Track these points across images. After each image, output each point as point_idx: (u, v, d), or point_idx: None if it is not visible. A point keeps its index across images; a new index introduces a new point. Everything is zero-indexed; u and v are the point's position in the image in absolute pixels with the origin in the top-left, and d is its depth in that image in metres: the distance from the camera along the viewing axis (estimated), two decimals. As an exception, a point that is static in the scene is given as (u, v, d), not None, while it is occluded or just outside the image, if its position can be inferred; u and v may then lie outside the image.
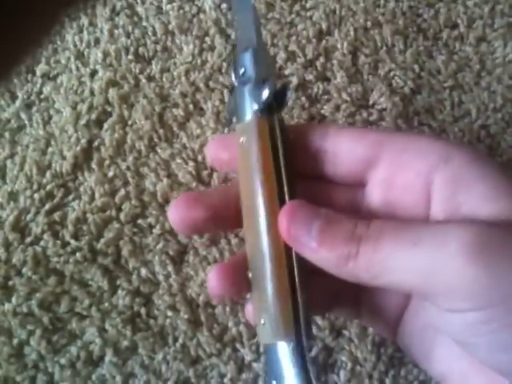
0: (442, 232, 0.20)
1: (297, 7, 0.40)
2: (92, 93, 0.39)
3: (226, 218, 0.25)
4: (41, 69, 0.40)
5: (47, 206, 0.36)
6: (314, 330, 0.33)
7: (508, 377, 0.21)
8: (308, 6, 0.40)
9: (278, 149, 0.23)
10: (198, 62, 0.39)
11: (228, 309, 0.34)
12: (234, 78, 0.25)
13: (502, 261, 0.19)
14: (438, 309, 0.21)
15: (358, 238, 0.21)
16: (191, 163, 0.37)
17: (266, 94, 0.23)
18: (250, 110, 0.23)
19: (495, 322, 0.19)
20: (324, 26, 0.40)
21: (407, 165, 0.23)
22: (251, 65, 0.24)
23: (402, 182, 0.23)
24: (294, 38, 0.39)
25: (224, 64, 0.39)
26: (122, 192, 0.36)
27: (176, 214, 0.25)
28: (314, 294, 0.24)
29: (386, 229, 0.21)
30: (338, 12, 0.40)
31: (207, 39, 0.40)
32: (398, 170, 0.23)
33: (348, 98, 0.38)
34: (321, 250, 0.21)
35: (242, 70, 0.24)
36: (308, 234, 0.21)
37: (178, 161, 0.37)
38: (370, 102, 0.38)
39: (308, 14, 0.40)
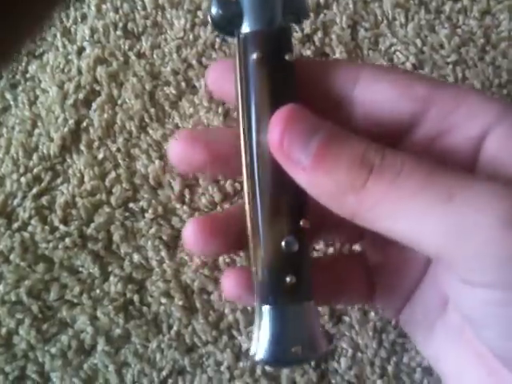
0: (483, 191, 0.17)
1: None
2: (79, 71, 0.37)
3: (227, 162, 0.22)
4: (26, 46, 0.38)
5: (35, 190, 0.34)
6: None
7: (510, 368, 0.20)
8: (306, -24, 0.39)
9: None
10: (190, 37, 0.37)
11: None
12: None
13: None
14: (454, 277, 0.19)
15: (370, 166, 0.17)
16: (184, 144, 0.35)
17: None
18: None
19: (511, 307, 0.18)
20: (322, -2, 0.38)
21: (457, 126, 0.20)
22: None
23: (448, 145, 0.21)
24: (290, 11, 0.38)
25: (217, 40, 0.37)
26: (113, 175, 0.35)
27: (175, 151, 0.23)
28: (317, 280, 0.21)
29: (413, 165, 0.18)
30: (336, -16, 0.38)
31: (199, 13, 0.38)
32: (445, 131, 0.21)
33: (347, 75, 0.36)
34: (317, 173, 0.18)
35: None
36: (304, 149, 0.18)
37: (171, 141, 0.35)
38: (370, 79, 0.36)
39: (306, -14, 0.38)
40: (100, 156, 0.35)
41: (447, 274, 0.20)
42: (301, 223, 0.21)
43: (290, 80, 0.21)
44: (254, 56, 0.21)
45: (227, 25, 0.22)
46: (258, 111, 0.21)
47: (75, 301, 0.33)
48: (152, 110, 0.36)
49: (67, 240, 0.33)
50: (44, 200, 0.34)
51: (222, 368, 0.32)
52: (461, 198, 0.17)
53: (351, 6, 0.38)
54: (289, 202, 0.21)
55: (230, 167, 0.22)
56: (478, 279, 0.18)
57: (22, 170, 0.35)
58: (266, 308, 0.21)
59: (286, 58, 0.21)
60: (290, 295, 0.21)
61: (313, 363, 0.32)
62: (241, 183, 0.35)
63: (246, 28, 0.21)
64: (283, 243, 0.20)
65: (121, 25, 0.38)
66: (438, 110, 0.21)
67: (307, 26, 0.37)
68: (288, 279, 0.21)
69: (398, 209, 0.17)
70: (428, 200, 0.17)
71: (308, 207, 0.21)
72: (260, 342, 0.21)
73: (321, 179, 0.18)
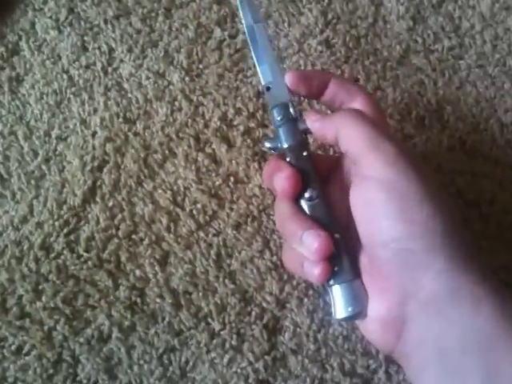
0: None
1: (240, 76, 0.55)
2: (94, 147, 0.52)
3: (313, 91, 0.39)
4: (55, 132, 0.53)
5: (65, 231, 0.48)
6: (264, 304, 0.46)
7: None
8: (248, 74, 0.55)
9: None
10: (171, 119, 0.53)
11: (201, 294, 0.46)
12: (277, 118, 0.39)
13: None
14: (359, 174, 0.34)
15: None
16: (169, 192, 0.50)
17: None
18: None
19: None
20: (261, 88, 0.54)
21: None
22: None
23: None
24: (239, 98, 0.54)
25: (189, 120, 0.53)
26: (119, 216, 0.49)
27: (290, 81, 0.39)
28: None
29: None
30: (270, 77, 0.54)
31: (176, 103, 0.54)
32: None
33: (281, 138, 0.51)
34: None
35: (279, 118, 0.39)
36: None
37: (159, 191, 0.50)
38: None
39: (249, 80, 0.55)
40: (110, 204, 0.49)
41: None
42: (335, 236, 0.35)
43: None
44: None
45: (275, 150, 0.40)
46: None
47: (96, 305, 0.46)
48: (145, 171, 0.51)
49: (89, 263, 0.47)
50: (72, 237, 0.48)
51: (201, 345, 0.44)
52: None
53: (282, 91, 0.54)
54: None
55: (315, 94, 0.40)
56: (372, 173, 0.33)
57: (55, 217, 0.49)
58: (330, 287, 0.36)
59: (304, 154, 0.38)
60: (340, 277, 0.35)
61: (265, 337, 0.45)
62: (214, 213, 0.49)
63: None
64: None
65: (121, 114, 0.53)
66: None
67: (251, 107, 0.53)
68: (335, 268, 0.35)
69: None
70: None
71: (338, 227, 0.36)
72: (332, 308, 0.36)
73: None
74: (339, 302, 0.36)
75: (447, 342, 0.30)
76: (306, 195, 0.36)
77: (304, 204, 0.37)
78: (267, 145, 0.40)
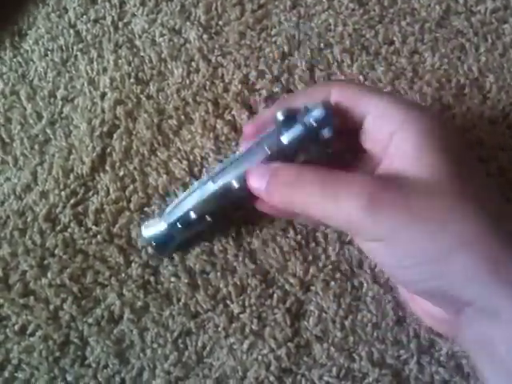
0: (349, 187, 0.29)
1: (263, 34, 0.50)
2: (103, 110, 0.48)
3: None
4: (60, 93, 0.49)
5: (72, 201, 0.45)
6: (287, 287, 0.42)
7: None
8: (272, 33, 0.50)
9: None
10: (187, 81, 0.49)
11: (219, 274, 0.43)
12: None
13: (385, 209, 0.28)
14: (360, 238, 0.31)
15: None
16: (185, 162, 0.46)
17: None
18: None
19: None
20: (286, 48, 0.49)
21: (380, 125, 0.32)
22: None
23: (377, 137, 0.32)
24: (262, 59, 0.49)
25: (207, 82, 0.48)
26: (131, 187, 0.45)
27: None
28: None
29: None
30: (296, 37, 0.50)
31: (193, 63, 0.49)
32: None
33: (308, 105, 0.47)
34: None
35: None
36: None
37: (174, 161, 0.46)
38: (326, 107, 0.47)
39: (273, 39, 0.50)
40: (121, 173, 0.46)
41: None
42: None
43: None
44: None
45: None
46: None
47: (106, 283, 0.43)
48: (159, 138, 0.47)
49: (98, 237, 0.44)
50: (79, 208, 0.45)
51: (219, 329, 0.41)
52: (341, 197, 0.29)
53: (309, 53, 0.49)
54: None
55: None
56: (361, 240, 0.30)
57: (61, 186, 0.45)
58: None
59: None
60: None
61: (288, 322, 0.42)
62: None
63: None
64: None
65: (133, 74, 0.49)
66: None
67: (275, 69, 0.48)
68: None
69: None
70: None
71: None
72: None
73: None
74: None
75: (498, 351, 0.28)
76: None
77: None
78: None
